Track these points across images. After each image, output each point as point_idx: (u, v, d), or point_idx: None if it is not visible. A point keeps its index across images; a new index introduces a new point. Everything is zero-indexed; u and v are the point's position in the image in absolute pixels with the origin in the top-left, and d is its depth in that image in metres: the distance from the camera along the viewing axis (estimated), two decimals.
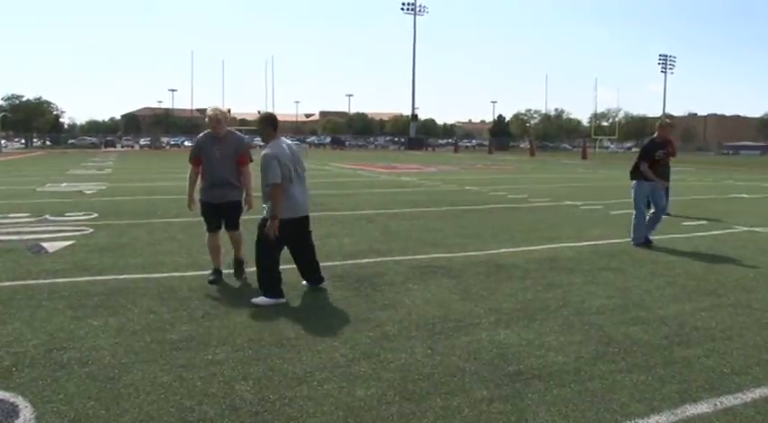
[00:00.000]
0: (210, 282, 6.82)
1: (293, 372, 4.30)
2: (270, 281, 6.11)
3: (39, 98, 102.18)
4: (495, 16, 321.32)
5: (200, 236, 8.63)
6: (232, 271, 7.17)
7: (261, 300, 6.01)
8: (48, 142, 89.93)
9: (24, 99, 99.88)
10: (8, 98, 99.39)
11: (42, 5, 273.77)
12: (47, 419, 3.58)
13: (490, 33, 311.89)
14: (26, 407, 3.73)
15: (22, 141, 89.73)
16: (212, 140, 6.89)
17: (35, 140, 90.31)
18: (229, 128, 7.07)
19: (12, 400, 3.82)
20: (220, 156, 6.83)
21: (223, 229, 7.06)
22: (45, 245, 8.88)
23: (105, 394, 3.91)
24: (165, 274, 7.21)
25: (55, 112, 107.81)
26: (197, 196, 7.03)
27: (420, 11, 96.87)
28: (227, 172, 6.85)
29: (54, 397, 3.87)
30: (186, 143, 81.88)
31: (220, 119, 6.83)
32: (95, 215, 12.49)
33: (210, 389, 4.00)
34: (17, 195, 16.80)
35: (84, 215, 12.45)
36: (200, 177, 7.03)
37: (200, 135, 7.13)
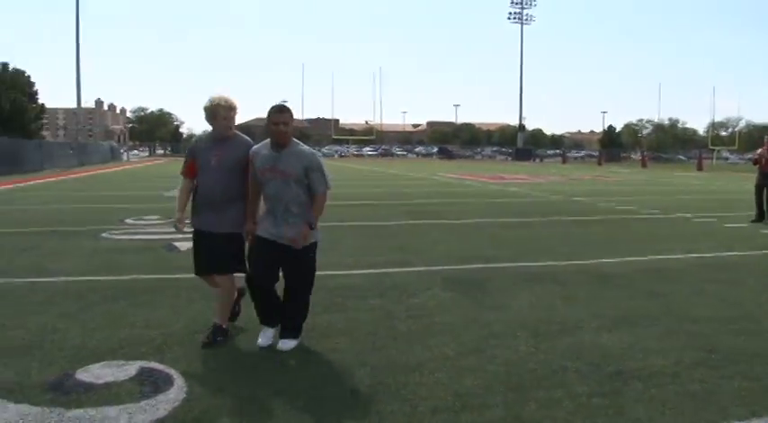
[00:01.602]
0: (205, 344, 5.02)
1: (406, 362, 4.71)
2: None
3: (161, 110, 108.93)
4: (605, 23, 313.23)
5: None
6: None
7: (294, 343, 5.04)
8: (169, 150, 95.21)
9: (149, 111, 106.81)
10: (135, 111, 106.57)
11: (163, 26, 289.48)
12: (196, 388, 4.17)
13: (600, 41, 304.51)
14: (178, 377, 4.35)
15: (146, 150, 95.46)
16: (211, 143, 5.14)
17: (158, 149, 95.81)
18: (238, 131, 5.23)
19: (166, 371, 4.46)
20: (217, 165, 5.04)
21: None
22: (177, 244, 9.71)
23: (242, 370, 4.47)
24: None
25: (175, 123, 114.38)
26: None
27: (527, 20, 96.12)
28: (223, 188, 5.04)
29: (199, 370, 4.48)
30: None
31: (219, 109, 4.97)
32: None
33: (333, 372, 4.48)
34: (148, 200, 18.19)
35: None
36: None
37: (198, 137, 5.50)
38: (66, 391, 4.11)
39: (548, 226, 13.01)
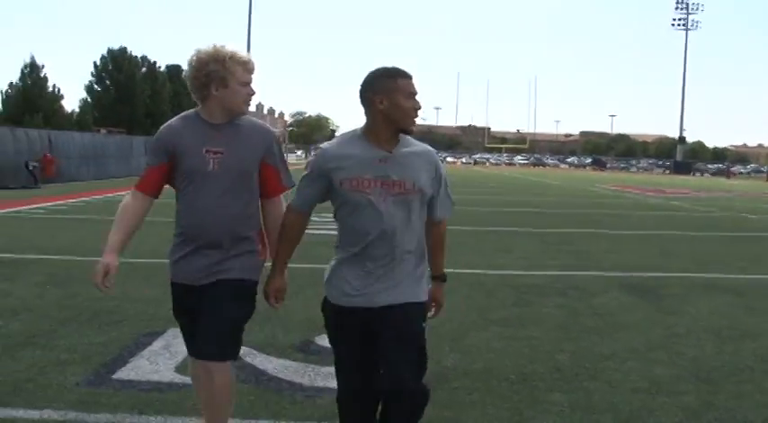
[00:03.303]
0: None
1: (600, 351, 5.24)
2: None
3: (318, 114, 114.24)
4: None
5: (500, 241, 9.59)
6: None
7: None
8: None
9: (306, 115, 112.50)
10: (294, 114, 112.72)
11: (321, 32, 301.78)
12: None
13: None
14: None
15: (301, 153, 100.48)
16: (202, 131, 2.92)
17: (312, 152, 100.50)
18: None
19: None
20: (219, 171, 2.91)
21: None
22: None
23: (457, 349, 5.16)
24: (468, 271, 8.41)
25: (331, 128, 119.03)
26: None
27: (693, 26, 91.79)
28: (234, 213, 2.96)
29: None
30: (449, 159, 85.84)
31: (234, 66, 2.84)
32: None
33: (536, 355, 5.10)
34: None
35: None
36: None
37: (173, 121, 3.05)
38: (313, 352, 5.00)
39: (718, 241, 12.92)
